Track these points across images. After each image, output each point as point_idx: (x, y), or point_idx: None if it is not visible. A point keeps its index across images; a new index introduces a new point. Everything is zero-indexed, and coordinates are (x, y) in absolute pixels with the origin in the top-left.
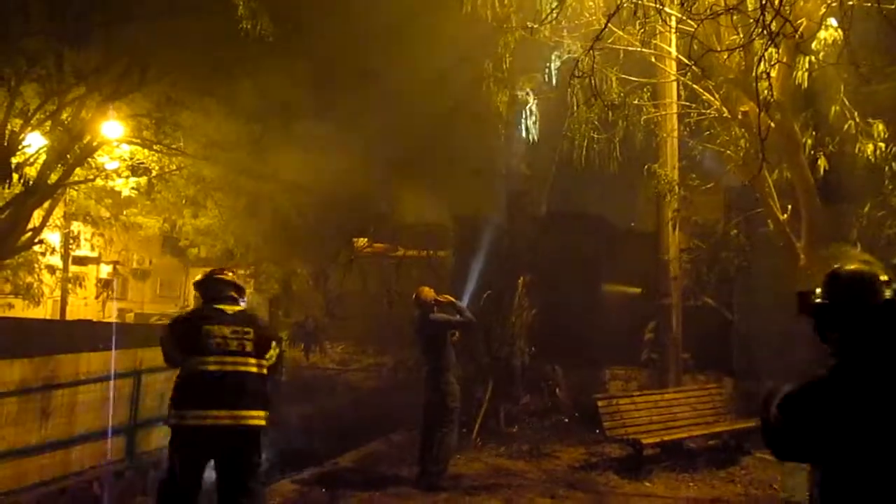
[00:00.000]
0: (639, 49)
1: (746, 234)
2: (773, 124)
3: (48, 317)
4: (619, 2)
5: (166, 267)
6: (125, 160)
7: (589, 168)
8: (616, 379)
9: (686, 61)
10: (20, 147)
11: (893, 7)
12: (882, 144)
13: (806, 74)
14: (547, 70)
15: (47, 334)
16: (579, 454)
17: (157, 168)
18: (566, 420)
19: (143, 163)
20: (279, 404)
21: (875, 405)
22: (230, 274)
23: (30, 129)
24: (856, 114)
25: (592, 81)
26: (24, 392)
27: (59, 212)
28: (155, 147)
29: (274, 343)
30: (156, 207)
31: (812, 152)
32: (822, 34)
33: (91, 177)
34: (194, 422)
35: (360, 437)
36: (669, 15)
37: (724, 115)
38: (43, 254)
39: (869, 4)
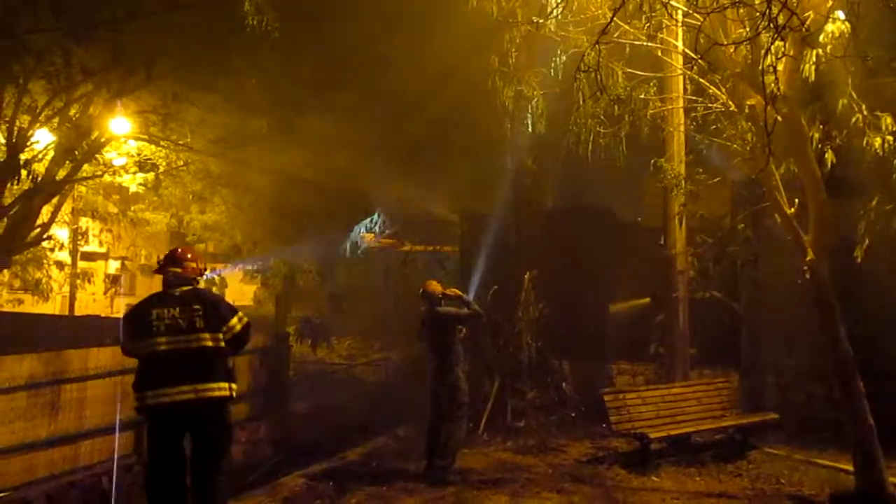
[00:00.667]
0: (645, 43)
1: (753, 228)
2: (780, 118)
3: (57, 312)
4: None
5: None
6: (132, 156)
7: (595, 163)
8: (623, 373)
9: (692, 55)
10: (28, 143)
11: None
12: (890, 138)
13: (813, 68)
14: (553, 65)
15: (56, 329)
16: (586, 448)
17: (164, 164)
18: (573, 414)
19: (150, 159)
20: (287, 399)
21: None
22: (185, 260)
23: (38, 125)
24: (863, 107)
25: (598, 76)
26: (33, 387)
27: (67, 208)
28: (162, 143)
29: (236, 317)
30: (163, 203)
31: (819, 146)
32: (829, 27)
33: (99, 173)
34: (156, 400)
35: (368, 431)
36: (675, 9)
37: (731, 108)
38: (52, 250)
39: None
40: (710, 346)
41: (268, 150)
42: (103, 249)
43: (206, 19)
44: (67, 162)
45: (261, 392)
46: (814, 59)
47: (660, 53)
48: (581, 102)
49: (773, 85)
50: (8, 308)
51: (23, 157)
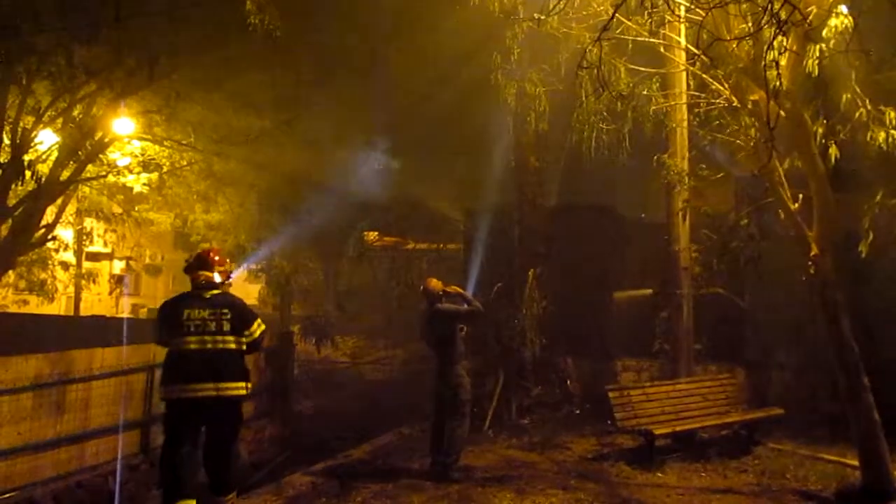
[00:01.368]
0: (647, 39)
1: (757, 224)
2: (783, 113)
3: (62, 313)
4: None
5: (179, 262)
6: (136, 156)
7: (599, 159)
8: (627, 370)
9: (695, 51)
10: (32, 144)
11: None
12: (894, 132)
13: (816, 62)
14: (555, 61)
15: (61, 330)
16: (591, 445)
17: (167, 164)
18: (578, 411)
19: (153, 159)
20: (292, 398)
21: None
22: (215, 265)
23: (42, 126)
24: (867, 101)
25: (601, 72)
26: (38, 387)
27: (71, 208)
28: (165, 143)
29: (257, 322)
30: (167, 203)
31: (823, 141)
32: (832, 22)
33: (103, 173)
34: (182, 395)
35: (373, 429)
36: (678, 4)
37: (734, 104)
38: (56, 250)
39: None
40: (715, 342)
41: (271, 149)
42: (108, 249)
43: (209, 18)
44: (71, 162)
45: (266, 391)
46: (817, 53)
47: (662, 49)
48: (584, 99)
49: (776, 80)
50: (13, 309)
51: (27, 158)
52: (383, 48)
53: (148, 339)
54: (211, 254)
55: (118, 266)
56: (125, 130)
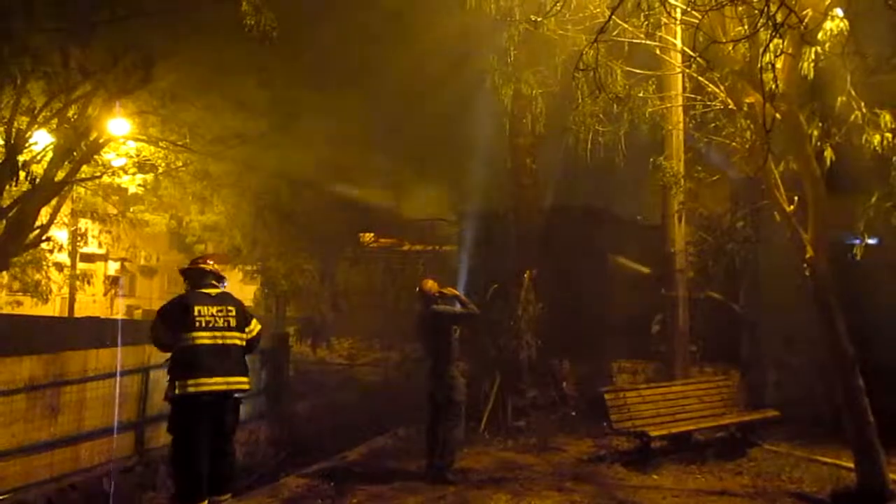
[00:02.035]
0: (643, 41)
1: (753, 226)
2: (778, 115)
3: (56, 314)
4: None
5: (174, 263)
6: (131, 157)
7: (595, 161)
8: (623, 372)
9: (691, 53)
10: (27, 145)
11: None
12: (889, 135)
13: (812, 65)
14: (552, 63)
15: (56, 331)
16: (587, 447)
17: (163, 165)
18: (573, 413)
19: (149, 159)
20: (287, 399)
21: None
22: (211, 263)
23: (36, 126)
24: (862, 104)
25: (597, 74)
26: (33, 389)
27: (66, 209)
28: (161, 143)
29: (255, 320)
30: (162, 204)
31: (818, 143)
32: (827, 24)
33: (98, 174)
34: (197, 388)
35: (368, 431)
36: (674, 6)
37: (730, 106)
38: (51, 251)
39: None
40: (711, 343)
41: (267, 151)
42: (103, 251)
43: (205, 19)
44: (66, 163)
45: (261, 392)
46: (812, 56)
47: (658, 52)
48: (580, 101)
49: (771, 83)
50: (7, 310)
51: (21, 158)
52: (379, 50)
53: (143, 341)
54: (205, 257)
55: (113, 267)
56: (120, 131)
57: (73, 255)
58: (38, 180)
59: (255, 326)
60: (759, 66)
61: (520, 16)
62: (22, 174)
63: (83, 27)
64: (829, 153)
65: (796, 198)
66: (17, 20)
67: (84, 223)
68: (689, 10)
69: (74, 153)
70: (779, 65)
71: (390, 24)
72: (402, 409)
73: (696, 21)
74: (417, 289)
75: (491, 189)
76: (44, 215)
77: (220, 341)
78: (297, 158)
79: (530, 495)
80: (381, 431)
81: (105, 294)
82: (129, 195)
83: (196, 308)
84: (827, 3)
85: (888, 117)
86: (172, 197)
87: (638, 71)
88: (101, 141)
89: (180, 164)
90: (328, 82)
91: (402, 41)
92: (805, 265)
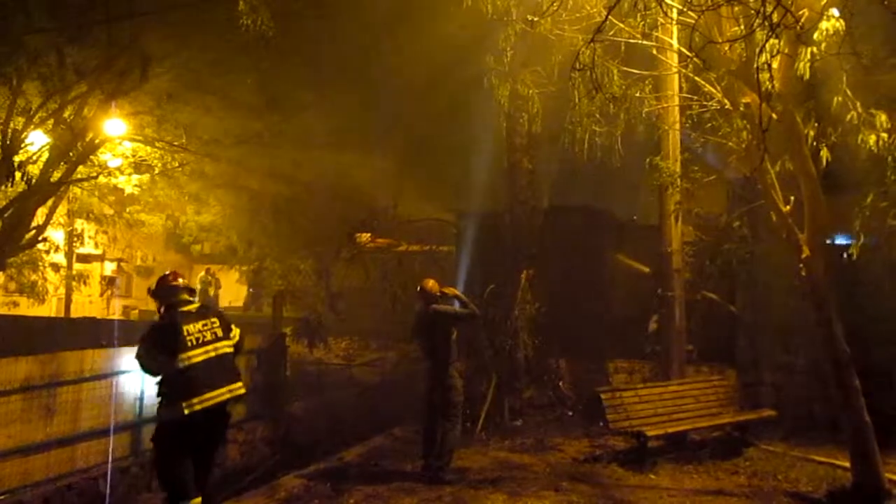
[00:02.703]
0: (640, 41)
1: (749, 226)
2: (774, 115)
3: (53, 315)
4: None
5: (170, 264)
6: (128, 157)
7: (591, 161)
8: (620, 371)
9: (687, 53)
10: (23, 145)
11: None
12: (885, 135)
13: (808, 65)
14: (548, 63)
15: (52, 332)
16: (583, 447)
17: (159, 165)
18: (570, 413)
19: (145, 160)
20: (284, 400)
21: None
22: (181, 280)
23: (32, 127)
24: (858, 104)
25: (593, 74)
26: (29, 389)
27: (62, 210)
28: (157, 144)
29: (233, 325)
30: (159, 204)
31: (814, 143)
32: (823, 24)
33: (94, 174)
34: (202, 405)
35: (365, 431)
36: (670, 7)
37: (726, 106)
38: (47, 252)
39: None
40: (707, 343)
41: (263, 151)
42: (99, 251)
43: (201, 20)
44: (62, 164)
45: (258, 393)
46: (808, 56)
47: (655, 52)
48: (577, 101)
49: (767, 83)
50: (3, 311)
51: (17, 159)
52: (375, 50)
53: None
54: (169, 275)
55: (109, 268)
56: (116, 131)
57: (69, 255)
58: (34, 181)
59: (236, 331)
60: (755, 66)
61: (516, 16)
62: (18, 175)
63: (79, 28)
64: (825, 153)
65: (792, 198)
66: (13, 20)
67: (80, 223)
68: (685, 10)
69: (70, 154)
70: (775, 65)
71: (386, 23)
72: (400, 409)
73: (693, 21)
74: (418, 288)
75: (488, 189)
76: (40, 216)
77: (213, 353)
78: (294, 158)
79: (527, 495)
80: (378, 431)
81: (101, 294)
82: (125, 196)
83: (184, 328)
84: (823, 3)
85: (884, 117)
86: (169, 197)
87: (634, 71)
88: (97, 141)
89: (176, 164)
90: (324, 82)
91: (398, 41)
92: (801, 265)
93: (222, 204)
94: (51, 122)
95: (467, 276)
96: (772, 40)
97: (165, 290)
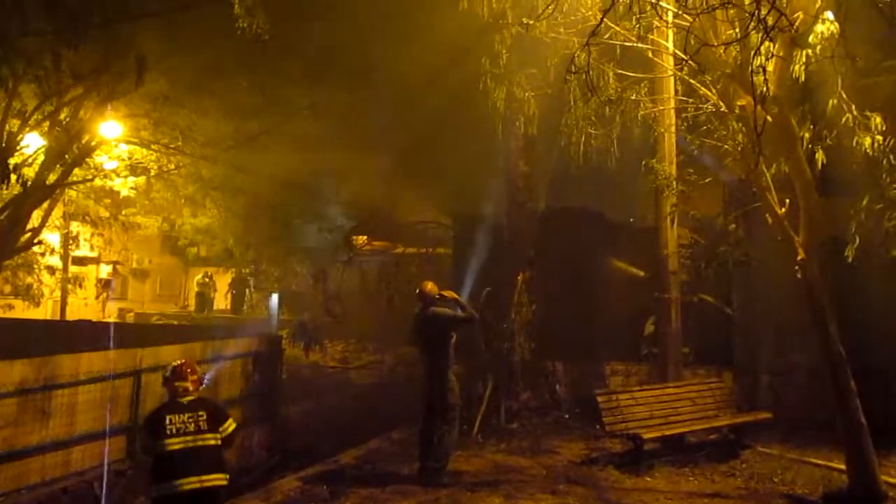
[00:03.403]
0: (635, 44)
1: (745, 229)
2: (770, 118)
3: (48, 317)
4: None
5: (166, 266)
6: (124, 160)
7: (587, 164)
8: (616, 374)
9: (683, 56)
10: (18, 147)
11: (889, 0)
12: (880, 137)
13: (803, 68)
14: (544, 66)
15: (47, 335)
16: (580, 449)
17: (155, 167)
18: (566, 416)
19: (141, 162)
20: (280, 403)
21: None
22: (190, 378)
23: (28, 129)
24: (853, 107)
25: (589, 77)
26: (24, 392)
27: (58, 212)
28: (153, 146)
29: (230, 420)
30: (155, 207)
31: (810, 146)
32: (818, 28)
33: (90, 177)
34: (170, 490)
35: (361, 434)
36: (665, 10)
37: (722, 109)
38: (42, 254)
39: None
40: (703, 345)
41: (259, 153)
42: (94, 254)
43: (197, 22)
44: (58, 166)
45: (254, 396)
46: (803, 59)
47: (650, 54)
48: (572, 104)
49: (763, 85)
50: None
51: (12, 161)
52: (371, 53)
53: (135, 343)
54: (184, 367)
55: (105, 270)
56: (112, 134)
57: (64, 258)
58: (29, 183)
59: (229, 425)
60: (750, 69)
61: (512, 18)
62: (13, 177)
63: (75, 30)
64: (820, 155)
65: (788, 200)
66: (9, 23)
67: (76, 226)
68: (680, 13)
69: (66, 156)
70: (770, 68)
71: (382, 27)
72: (396, 412)
73: (688, 24)
74: (417, 290)
75: (484, 191)
76: (35, 218)
77: (191, 444)
78: (290, 161)
79: (523, 498)
80: (374, 434)
81: (97, 297)
82: (121, 198)
83: (168, 417)
84: (817, 6)
85: (879, 120)
86: (165, 200)
87: (630, 74)
88: (92, 144)
89: (172, 167)
90: (320, 85)
91: (394, 44)
92: (797, 267)
93: (219, 206)
94: (46, 124)
95: (464, 278)
96: (767, 43)
97: (169, 384)
